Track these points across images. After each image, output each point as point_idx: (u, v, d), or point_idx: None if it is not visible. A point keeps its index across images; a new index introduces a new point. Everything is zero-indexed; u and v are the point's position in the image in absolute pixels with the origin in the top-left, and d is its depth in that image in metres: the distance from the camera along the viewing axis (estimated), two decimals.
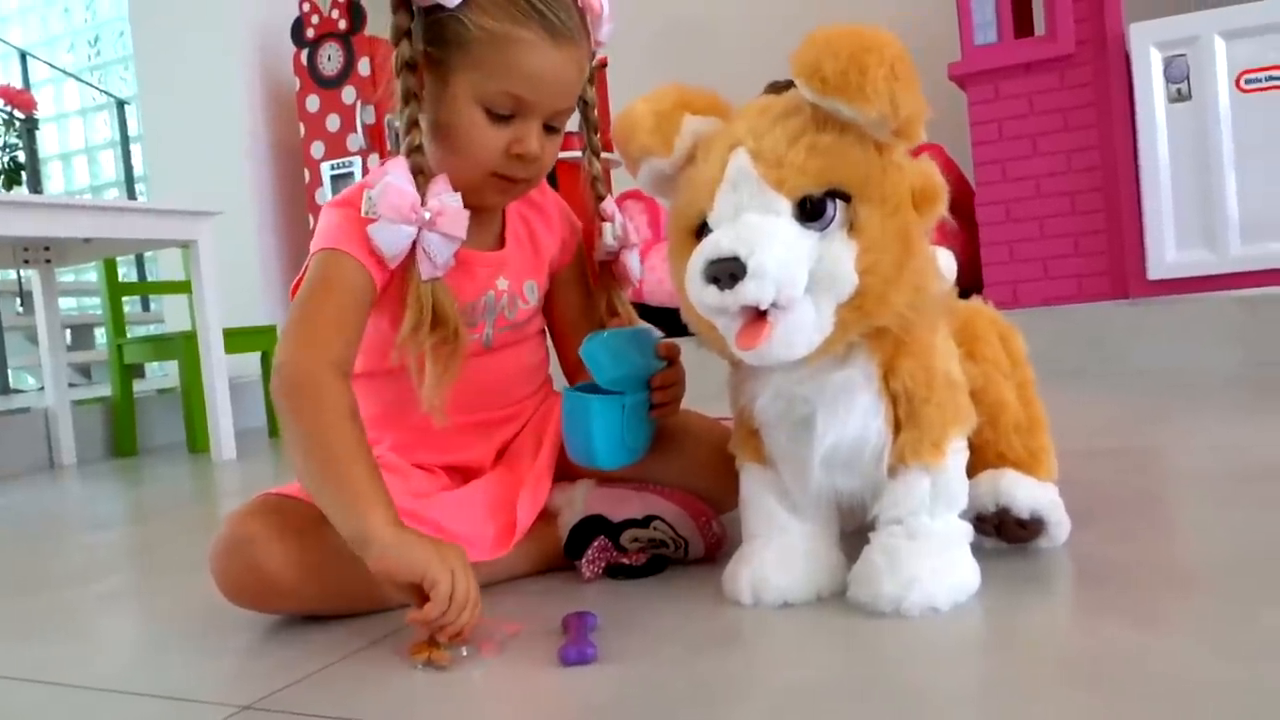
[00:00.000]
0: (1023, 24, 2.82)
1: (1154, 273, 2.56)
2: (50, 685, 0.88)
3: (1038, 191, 2.71)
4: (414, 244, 0.96)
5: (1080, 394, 2.14)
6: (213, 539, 0.96)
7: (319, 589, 0.95)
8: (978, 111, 2.75)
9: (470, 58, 0.95)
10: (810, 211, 0.81)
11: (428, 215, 0.95)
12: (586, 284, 1.19)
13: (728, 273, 0.78)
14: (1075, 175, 2.66)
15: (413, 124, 0.98)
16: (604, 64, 2.76)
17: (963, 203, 2.76)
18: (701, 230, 0.86)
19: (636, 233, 1.16)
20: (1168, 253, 2.54)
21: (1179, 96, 2.51)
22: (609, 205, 1.14)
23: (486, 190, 1.00)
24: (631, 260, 1.15)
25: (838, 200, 0.81)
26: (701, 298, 0.81)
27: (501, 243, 1.10)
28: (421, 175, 0.97)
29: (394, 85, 0.99)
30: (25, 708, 0.84)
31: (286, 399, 0.91)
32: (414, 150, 0.98)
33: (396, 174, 0.96)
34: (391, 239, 0.95)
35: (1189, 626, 0.77)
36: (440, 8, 0.95)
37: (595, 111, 1.12)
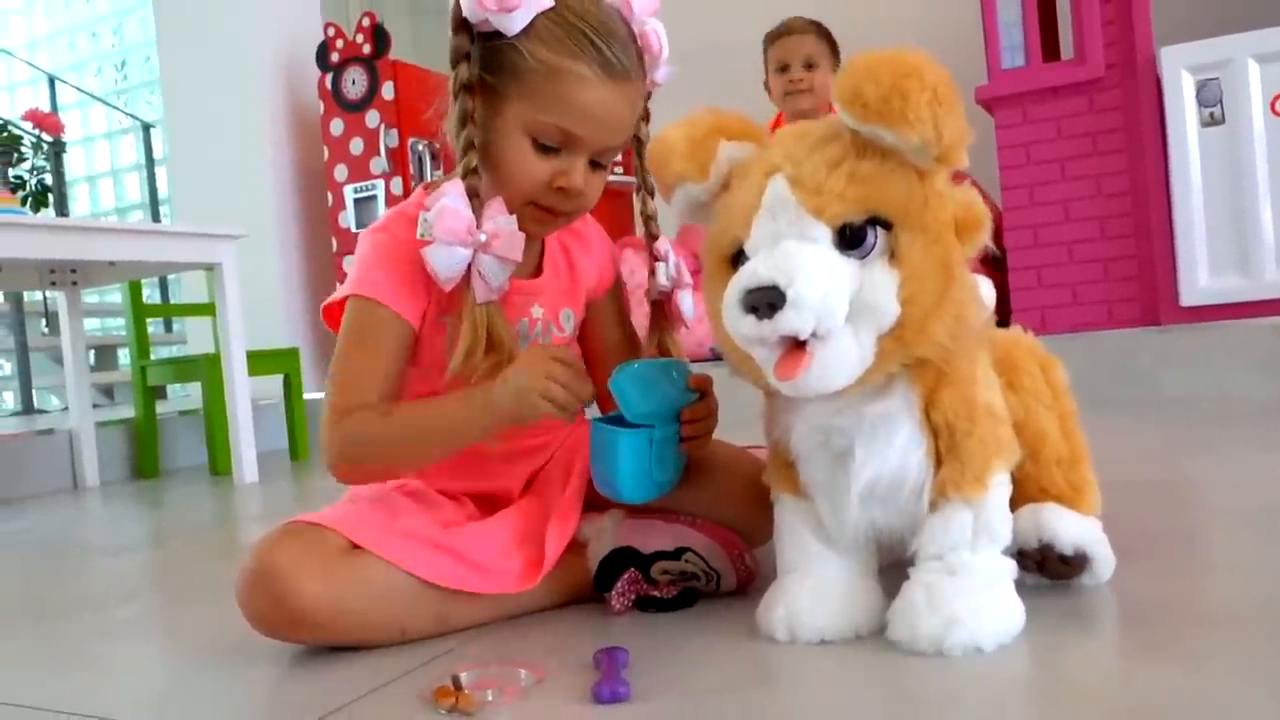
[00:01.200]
0: (1051, 47, 2.80)
1: (1186, 299, 2.52)
2: (74, 717, 0.86)
3: (1066, 216, 2.68)
4: (469, 267, 0.96)
5: (1111, 423, 2.11)
6: (239, 569, 0.94)
7: (345, 621, 0.93)
8: (1005, 135, 2.73)
9: (524, 87, 0.95)
10: (850, 239, 0.79)
11: (483, 238, 0.95)
12: (624, 314, 1.18)
13: (766, 302, 0.77)
14: (1105, 200, 2.64)
15: (469, 146, 0.98)
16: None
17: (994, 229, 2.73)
18: (738, 258, 0.85)
19: (689, 273, 1.14)
20: (1200, 278, 2.51)
21: (1212, 120, 2.48)
22: (662, 245, 1.12)
23: (525, 220, 0.99)
24: (684, 301, 1.12)
25: (878, 228, 0.80)
26: (739, 328, 0.79)
27: (539, 271, 1.09)
28: (477, 198, 0.97)
29: (445, 106, 0.99)
30: None
31: (349, 449, 1.00)
32: (470, 172, 0.98)
33: (453, 196, 0.96)
34: (446, 261, 0.95)
35: (1237, 668, 0.74)
36: (499, 35, 0.94)
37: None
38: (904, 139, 0.77)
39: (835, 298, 0.77)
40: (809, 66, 2.74)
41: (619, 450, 0.96)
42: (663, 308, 1.13)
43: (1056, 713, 0.70)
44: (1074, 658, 0.80)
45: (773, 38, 2.84)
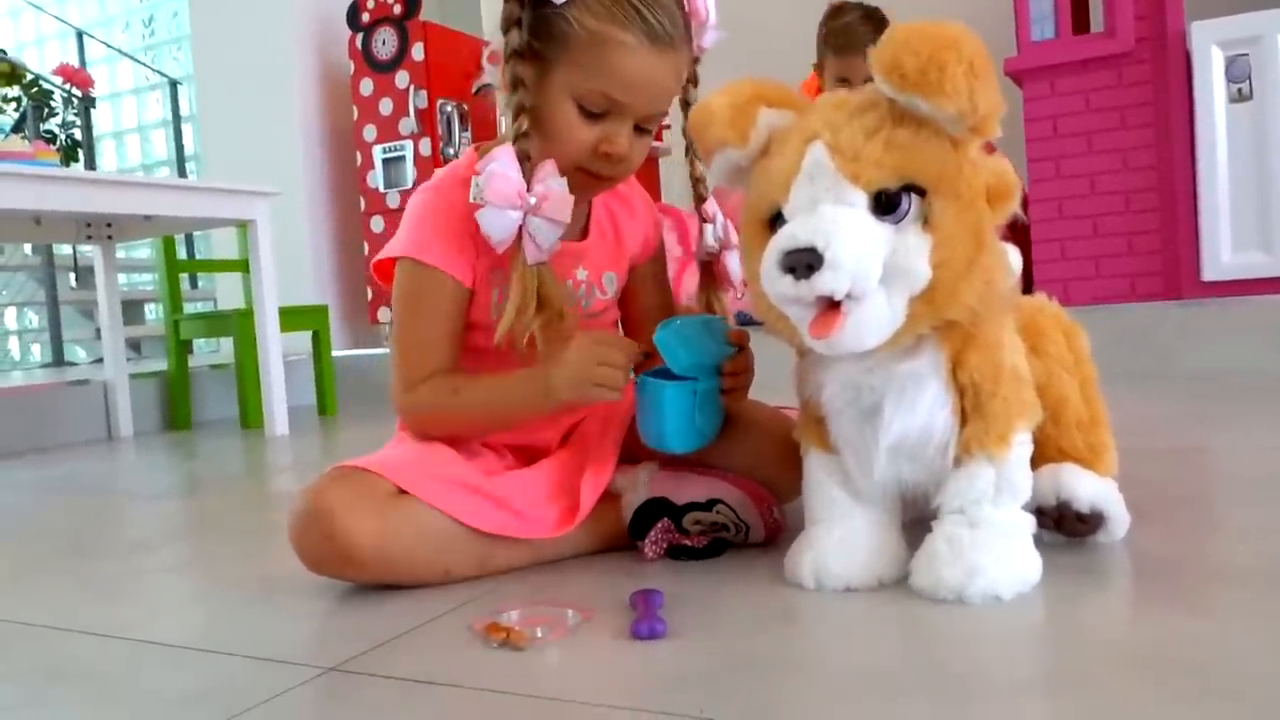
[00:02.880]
0: (1080, 20, 2.80)
1: (1208, 274, 2.54)
2: (134, 641, 0.92)
3: (1092, 189, 2.69)
4: (520, 228, 0.99)
5: (1131, 393, 2.14)
6: (291, 510, 0.99)
7: (392, 559, 0.98)
8: (1033, 108, 2.74)
9: (570, 54, 0.98)
10: (886, 205, 0.83)
11: (533, 200, 0.99)
12: (664, 278, 1.22)
13: (804, 263, 0.80)
14: (1130, 174, 2.64)
15: (520, 110, 1.01)
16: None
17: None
18: (775, 221, 0.88)
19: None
20: (1223, 254, 2.52)
21: (1240, 96, 2.48)
22: (711, 206, 1.15)
23: (571, 184, 1.02)
24: (732, 261, 1.15)
25: (913, 194, 0.83)
26: (777, 287, 0.83)
27: (585, 234, 1.13)
28: (528, 161, 1.01)
29: (497, 71, 1.02)
30: (113, 661, 0.87)
31: (421, 421, 1.10)
32: (520, 136, 1.01)
33: (503, 160, 1.00)
34: (499, 224, 0.99)
35: (1245, 620, 0.78)
36: (548, 3, 0.97)
37: None
38: (940, 109, 0.80)
39: (870, 260, 0.80)
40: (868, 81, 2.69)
41: (665, 402, 1.01)
42: (711, 268, 1.17)
43: (1068, 656, 0.74)
44: (1087, 608, 0.84)
45: (839, 46, 2.64)
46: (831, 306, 0.82)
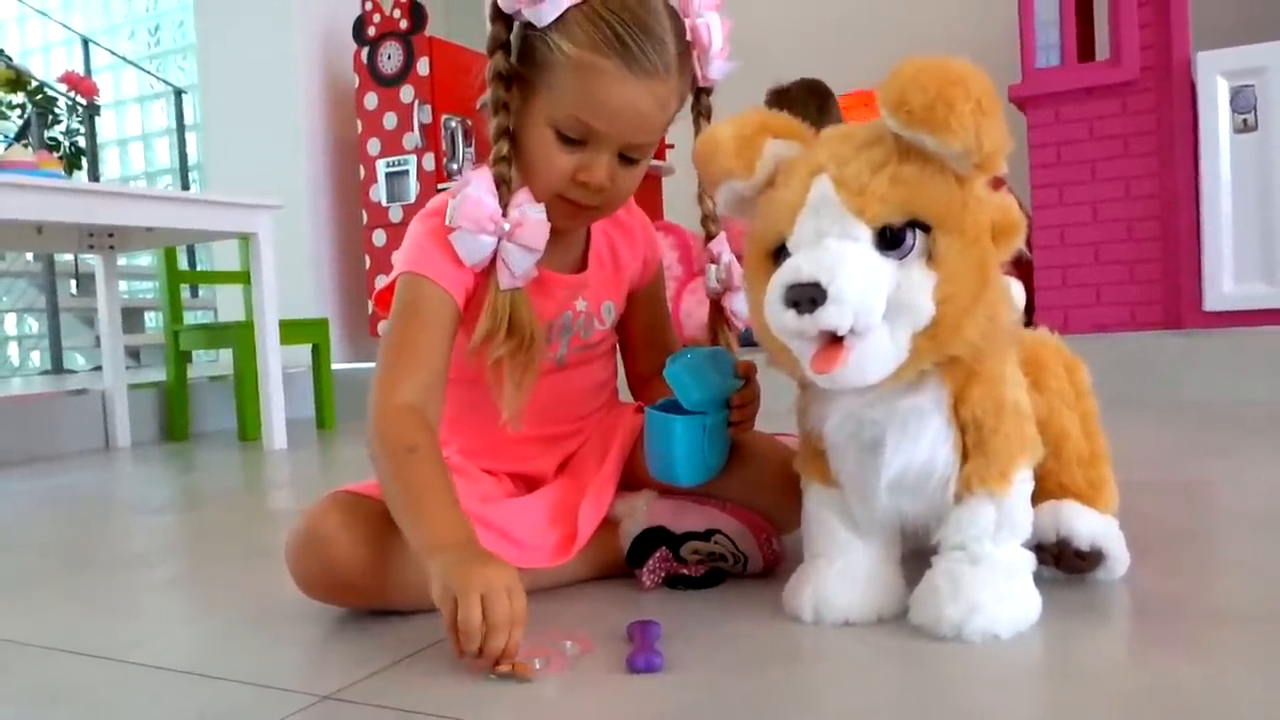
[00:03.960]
0: (1086, 48, 2.81)
1: (1210, 304, 2.54)
2: (132, 665, 0.91)
3: (1094, 217, 2.70)
4: (495, 253, 0.99)
5: (1130, 423, 2.13)
6: (289, 533, 0.99)
7: (389, 586, 0.97)
8: (1037, 134, 2.75)
9: (549, 79, 0.96)
10: (890, 240, 0.82)
11: (507, 226, 0.98)
12: (662, 302, 1.21)
13: (808, 298, 0.80)
14: (1133, 202, 2.65)
15: (501, 134, 1.00)
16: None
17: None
18: (779, 253, 0.88)
19: (741, 275, 1.15)
20: (1225, 284, 2.53)
21: (1245, 127, 2.49)
22: (717, 245, 1.14)
23: (553, 212, 1.01)
24: (735, 302, 1.13)
25: (918, 230, 0.83)
26: (780, 321, 0.83)
27: (584, 264, 1.12)
28: (505, 186, 1.00)
29: (482, 88, 1.01)
30: (111, 685, 0.87)
31: (376, 444, 0.96)
32: (499, 160, 1.00)
33: (477, 185, 0.99)
34: (471, 248, 0.99)
35: (1243, 663, 0.78)
36: (532, 26, 0.97)
37: None
38: (946, 146, 0.80)
39: (873, 296, 0.80)
40: None
41: (675, 436, 1.01)
42: (719, 306, 1.16)
43: (1066, 696, 0.74)
44: (1086, 648, 0.84)
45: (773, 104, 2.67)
46: (834, 341, 0.82)
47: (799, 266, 0.82)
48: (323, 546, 0.96)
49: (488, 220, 0.98)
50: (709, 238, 1.14)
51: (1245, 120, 2.49)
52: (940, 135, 0.79)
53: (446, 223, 0.99)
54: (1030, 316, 2.65)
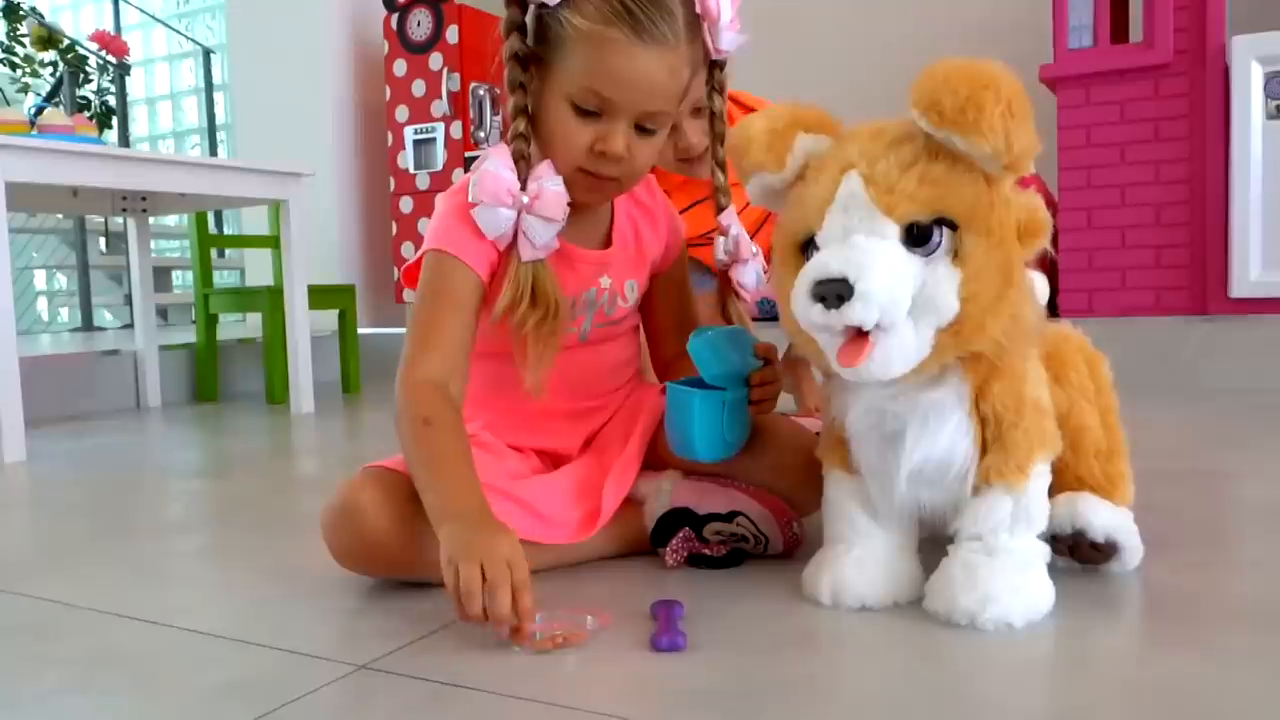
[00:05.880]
0: (1119, 30, 2.78)
1: (1236, 291, 2.53)
2: (174, 629, 0.95)
3: (1122, 200, 2.68)
4: (516, 227, 1.02)
5: (1151, 410, 2.14)
6: (325, 506, 1.02)
7: (419, 558, 1.00)
8: (1067, 116, 2.73)
9: (563, 54, 1.00)
10: (917, 237, 0.84)
11: (525, 199, 1.01)
12: (685, 286, 1.23)
13: (835, 293, 0.82)
14: (1162, 187, 2.64)
15: (519, 112, 1.04)
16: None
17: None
18: (807, 246, 0.90)
19: (750, 246, 1.18)
20: (1252, 271, 2.52)
21: (1278, 113, 2.46)
22: (725, 218, 1.17)
23: (575, 186, 1.04)
24: (743, 274, 1.17)
25: (944, 228, 0.84)
26: (807, 315, 0.85)
27: (608, 242, 1.15)
28: (524, 161, 1.03)
29: (504, 75, 1.04)
30: (154, 649, 0.91)
31: (401, 418, 1.00)
32: (517, 137, 1.03)
33: (495, 161, 1.03)
34: (492, 221, 1.02)
35: (1255, 662, 0.79)
36: (545, 6, 0.99)
37: (722, 124, 1.14)
38: (976, 147, 0.81)
39: (899, 292, 0.82)
40: None
41: (694, 411, 1.04)
42: (727, 277, 1.19)
43: (1075, 686, 0.76)
44: (1098, 640, 0.86)
45: None
46: (860, 335, 0.84)
47: (827, 263, 0.84)
48: (357, 519, 0.99)
49: (506, 194, 1.01)
50: (719, 210, 1.17)
51: (1279, 106, 2.47)
52: (970, 137, 0.81)
53: (469, 199, 1.03)
54: (1054, 311, 2.66)
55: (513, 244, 1.04)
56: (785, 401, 1.13)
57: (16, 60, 5.91)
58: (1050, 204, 2.74)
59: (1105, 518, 0.99)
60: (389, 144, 3.93)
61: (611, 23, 0.96)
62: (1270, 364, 2.44)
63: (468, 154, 3.73)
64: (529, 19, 1.02)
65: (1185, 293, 2.64)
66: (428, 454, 0.98)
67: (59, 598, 1.07)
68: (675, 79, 1.01)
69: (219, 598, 1.10)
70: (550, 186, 1.02)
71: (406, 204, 3.88)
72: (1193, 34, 2.58)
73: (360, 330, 3.44)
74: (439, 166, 3.79)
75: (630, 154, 1.02)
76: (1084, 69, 2.68)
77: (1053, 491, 0.97)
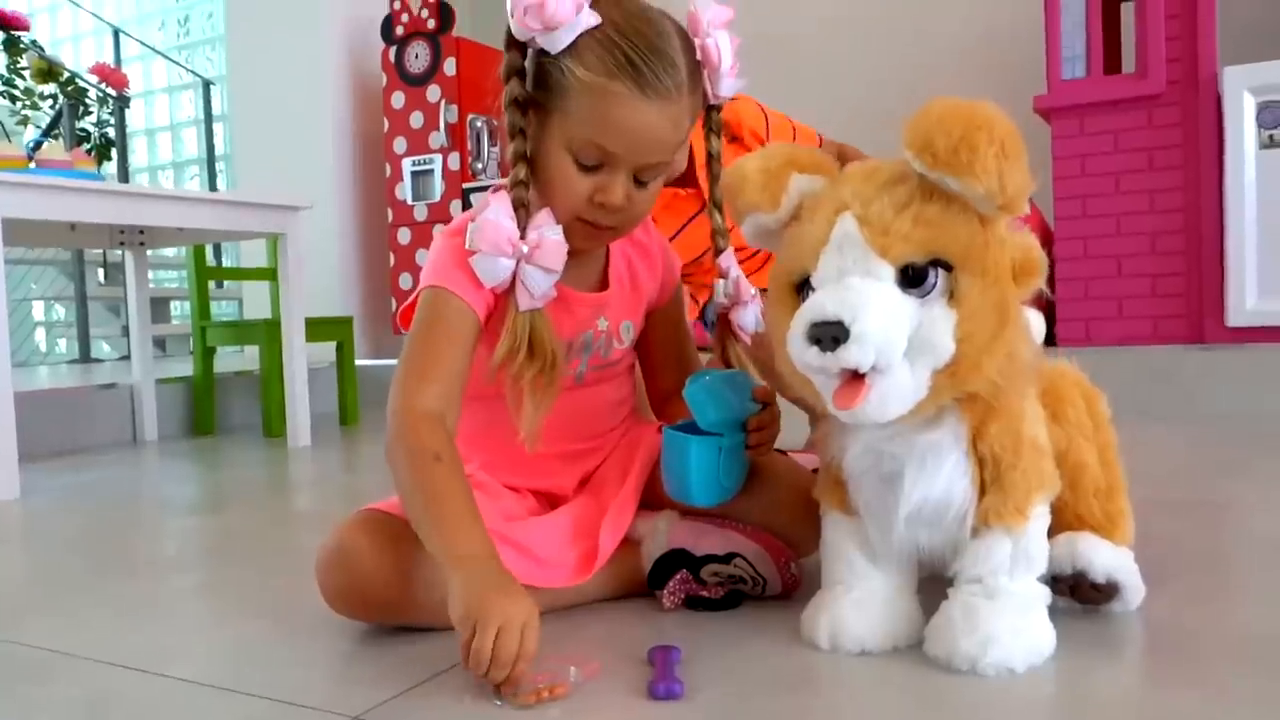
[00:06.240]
0: (1112, 60, 2.80)
1: (1233, 319, 2.54)
2: (162, 678, 0.94)
3: (1118, 230, 2.69)
4: (514, 274, 1.01)
5: (1149, 439, 2.14)
6: (320, 548, 1.01)
7: (414, 604, 1.00)
8: (1061, 146, 2.74)
9: (565, 104, 0.98)
10: (913, 278, 0.84)
11: (525, 249, 1.00)
12: (682, 322, 1.23)
13: (830, 335, 0.81)
14: (1157, 216, 2.65)
15: (519, 158, 1.02)
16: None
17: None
18: (803, 287, 0.90)
19: (750, 289, 1.17)
20: (1248, 300, 2.52)
21: (1271, 143, 2.48)
22: (724, 261, 1.16)
23: (573, 234, 1.03)
24: (744, 316, 1.16)
25: (940, 269, 0.84)
26: (803, 357, 0.85)
27: (604, 284, 1.14)
28: (524, 209, 1.02)
29: (502, 120, 1.03)
30: (147, 698, 0.90)
31: (399, 450, 0.98)
32: (517, 184, 1.02)
33: (496, 209, 1.01)
34: (491, 270, 1.01)
35: (1256, 697, 0.79)
36: (546, 52, 0.98)
37: (719, 165, 1.14)
38: (969, 188, 0.81)
39: (895, 334, 0.82)
40: None
41: (691, 456, 1.03)
42: (727, 319, 1.18)
43: None
44: (1099, 682, 0.85)
45: None
46: (856, 377, 0.84)
47: (823, 304, 0.83)
48: (352, 563, 0.98)
49: (506, 243, 1.00)
50: (717, 252, 1.16)
51: (1271, 136, 2.48)
52: (964, 178, 0.81)
53: (466, 246, 1.01)
54: (1051, 338, 2.65)
55: (510, 289, 1.03)
56: (782, 439, 1.12)
57: (16, 93, 5.94)
58: (1046, 234, 2.77)
59: (1106, 557, 0.98)
60: (387, 175, 3.94)
61: (615, 76, 0.95)
62: (1268, 392, 2.44)
63: (465, 185, 3.74)
64: (529, 64, 1.01)
65: (1182, 321, 2.65)
66: (432, 492, 0.95)
67: (50, 644, 1.06)
68: (677, 131, 1.01)
69: (213, 641, 1.09)
70: (550, 235, 1.00)
71: (404, 235, 3.89)
72: (1185, 64, 2.60)
73: (358, 362, 3.43)
74: (437, 198, 3.81)
75: (629, 203, 1.01)
76: (1078, 99, 2.70)
77: (1052, 530, 0.96)
